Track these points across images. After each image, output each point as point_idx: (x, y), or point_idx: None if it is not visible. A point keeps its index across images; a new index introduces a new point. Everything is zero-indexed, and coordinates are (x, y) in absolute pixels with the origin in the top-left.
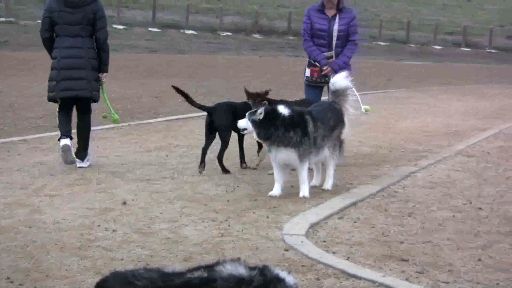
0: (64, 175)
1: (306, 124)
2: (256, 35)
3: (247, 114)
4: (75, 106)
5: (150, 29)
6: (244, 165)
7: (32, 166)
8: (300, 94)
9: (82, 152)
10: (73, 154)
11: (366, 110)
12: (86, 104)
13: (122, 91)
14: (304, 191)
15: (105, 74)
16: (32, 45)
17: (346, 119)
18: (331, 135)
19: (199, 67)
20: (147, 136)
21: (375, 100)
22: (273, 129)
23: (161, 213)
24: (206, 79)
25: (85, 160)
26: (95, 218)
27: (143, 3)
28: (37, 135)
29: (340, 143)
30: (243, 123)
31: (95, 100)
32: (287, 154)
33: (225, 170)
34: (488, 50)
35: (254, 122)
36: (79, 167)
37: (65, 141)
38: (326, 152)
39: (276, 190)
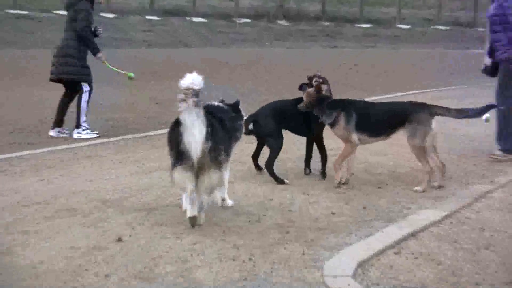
0: (42, 205)
1: None
2: (282, 22)
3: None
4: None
5: (148, 17)
6: (307, 170)
7: (1, 195)
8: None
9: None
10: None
11: (487, 120)
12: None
13: (115, 97)
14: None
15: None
16: None
17: None
18: None
19: (211, 64)
20: (147, 153)
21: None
22: None
23: (166, 251)
24: (220, 81)
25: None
26: (82, 260)
27: None
28: (4, 155)
29: None
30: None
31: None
32: None
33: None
34: None
35: None
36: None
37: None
38: None
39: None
